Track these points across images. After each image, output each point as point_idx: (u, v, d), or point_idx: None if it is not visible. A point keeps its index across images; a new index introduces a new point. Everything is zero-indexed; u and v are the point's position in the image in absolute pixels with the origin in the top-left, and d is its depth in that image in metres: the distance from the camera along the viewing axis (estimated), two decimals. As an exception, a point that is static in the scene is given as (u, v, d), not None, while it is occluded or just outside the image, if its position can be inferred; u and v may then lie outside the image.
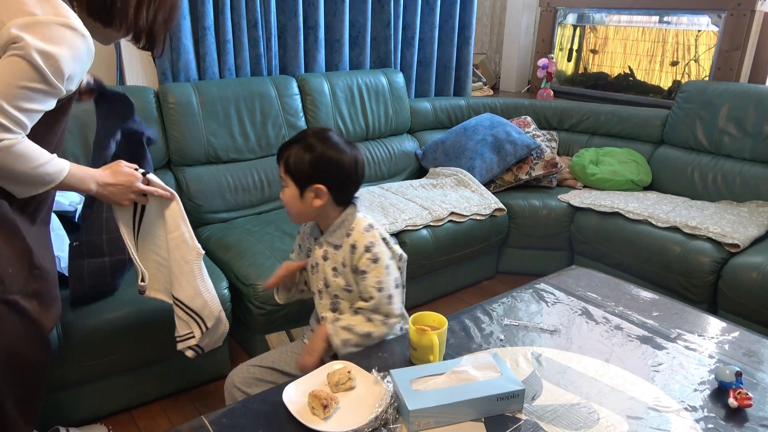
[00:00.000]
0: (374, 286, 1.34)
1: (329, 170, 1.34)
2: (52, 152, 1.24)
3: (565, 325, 1.44)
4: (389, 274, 1.36)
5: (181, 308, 1.57)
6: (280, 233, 2.30)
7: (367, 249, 1.34)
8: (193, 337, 1.60)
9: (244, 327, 2.13)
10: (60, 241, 1.76)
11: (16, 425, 1.34)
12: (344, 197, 1.39)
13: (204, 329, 1.59)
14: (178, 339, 1.62)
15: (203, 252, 1.55)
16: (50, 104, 1.19)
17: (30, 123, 1.16)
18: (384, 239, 1.38)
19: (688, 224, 2.38)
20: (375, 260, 1.34)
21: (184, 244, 1.51)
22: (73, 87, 1.24)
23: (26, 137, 1.17)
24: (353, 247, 1.36)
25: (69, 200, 1.95)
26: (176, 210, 1.49)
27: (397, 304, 1.37)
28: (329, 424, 1.07)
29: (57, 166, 1.24)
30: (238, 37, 2.61)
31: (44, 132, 1.24)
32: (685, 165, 2.86)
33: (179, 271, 1.52)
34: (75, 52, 1.17)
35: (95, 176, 1.34)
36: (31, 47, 1.10)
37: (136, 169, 1.43)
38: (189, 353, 1.63)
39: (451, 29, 3.42)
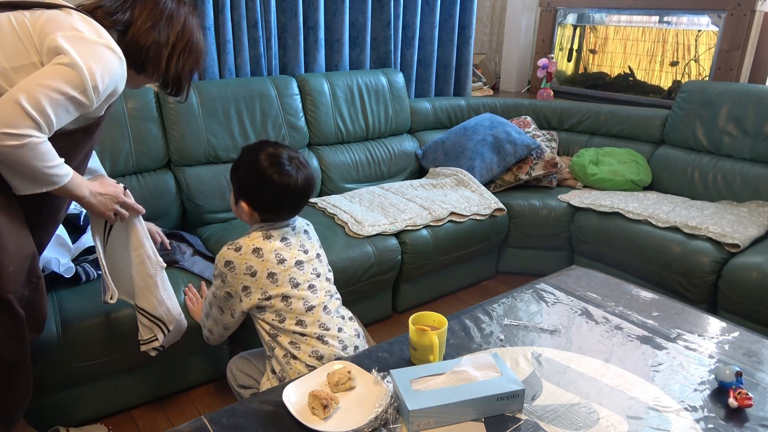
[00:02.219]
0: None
1: (255, 190, 1.41)
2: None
3: (565, 325, 1.44)
4: (213, 295, 1.48)
5: (144, 316, 1.66)
6: (280, 233, 2.30)
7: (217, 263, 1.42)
8: (157, 339, 1.68)
9: (244, 327, 2.13)
10: (63, 245, 1.76)
11: None
12: (270, 218, 1.44)
13: (166, 332, 1.68)
14: (141, 342, 1.70)
15: (165, 264, 1.63)
16: (76, 115, 1.27)
17: (57, 127, 1.23)
18: (227, 262, 1.38)
19: (688, 224, 2.38)
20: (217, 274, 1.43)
21: (147, 260, 1.59)
22: (102, 111, 1.34)
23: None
24: None
25: (73, 203, 1.95)
26: (139, 228, 1.57)
27: (205, 336, 1.59)
28: (329, 424, 1.07)
29: (65, 169, 1.30)
30: (238, 37, 2.61)
31: (69, 148, 1.34)
32: (685, 165, 2.86)
33: (144, 284, 1.61)
34: (112, 73, 1.27)
35: (88, 185, 1.41)
36: (76, 59, 1.19)
37: (117, 183, 1.53)
38: (153, 353, 1.72)
39: (451, 29, 3.42)
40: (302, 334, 1.39)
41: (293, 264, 1.41)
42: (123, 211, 1.50)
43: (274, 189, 1.38)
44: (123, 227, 1.56)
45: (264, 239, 1.40)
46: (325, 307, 1.45)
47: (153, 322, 1.66)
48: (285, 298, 1.39)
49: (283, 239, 1.43)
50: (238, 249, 1.39)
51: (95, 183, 1.45)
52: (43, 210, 1.42)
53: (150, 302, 1.63)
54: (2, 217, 1.25)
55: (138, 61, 1.37)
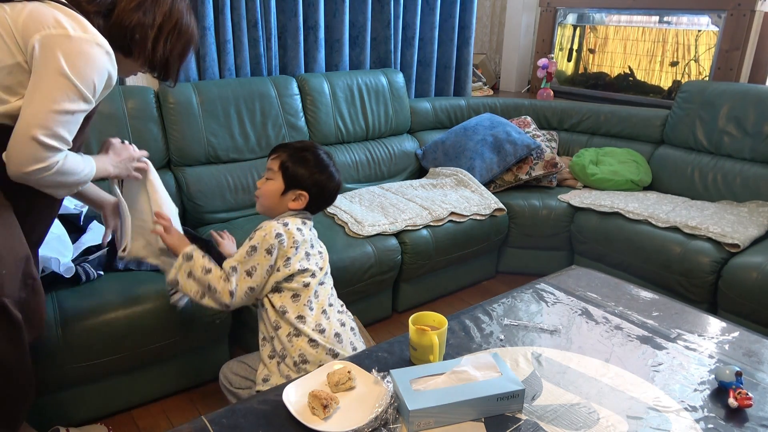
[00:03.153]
0: (230, 258, 1.47)
1: (319, 185, 1.53)
2: (76, 152, 1.33)
3: (565, 325, 1.44)
4: (248, 255, 1.43)
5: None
6: (280, 233, 2.30)
7: (256, 228, 1.47)
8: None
9: (244, 327, 2.13)
10: (62, 245, 1.76)
11: None
12: (314, 209, 1.58)
13: None
14: (170, 291, 1.71)
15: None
16: (83, 116, 1.28)
17: (71, 137, 1.26)
18: (278, 234, 1.44)
19: (688, 224, 2.38)
20: (250, 238, 1.45)
21: (167, 199, 1.65)
22: (96, 101, 1.31)
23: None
24: None
25: (74, 203, 1.95)
26: (154, 175, 1.61)
27: (228, 286, 1.42)
28: (329, 424, 1.07)
29: (90, 165, 1.36)
30: (238, 37, 2.61)
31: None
32: (685, 165, 2.86)
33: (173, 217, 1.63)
34: (102, 69, 1.25)
35: (107, 161, 1.46)
36: (66, 70, 1.19)
37: (122, 142, 1.55)
38: (181, 303, 1.73)
39: (451, 29, 3.42)
40: (311, 306, 1.48)
41: (317, 252, 1.55)
42: (141, 164, 1.56)
43: (334, 187, 1.57)
44: (136, 183, 1.60)
45: (302, 223, 1.53)
46: (332, 288, 1.58)
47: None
48: (312, 272, 1.50)
49: (311, 229, 1.57)
50: (285, 224, 1.47)
51: (111, 154, 1.49)
52: (38, 204, 1.40)
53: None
54: None
55: (124, 44, 1.33)
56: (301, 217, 1.54)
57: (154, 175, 1.61)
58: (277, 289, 1.47)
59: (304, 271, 1.47)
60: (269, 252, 1.43)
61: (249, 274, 1.44)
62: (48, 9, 1.20)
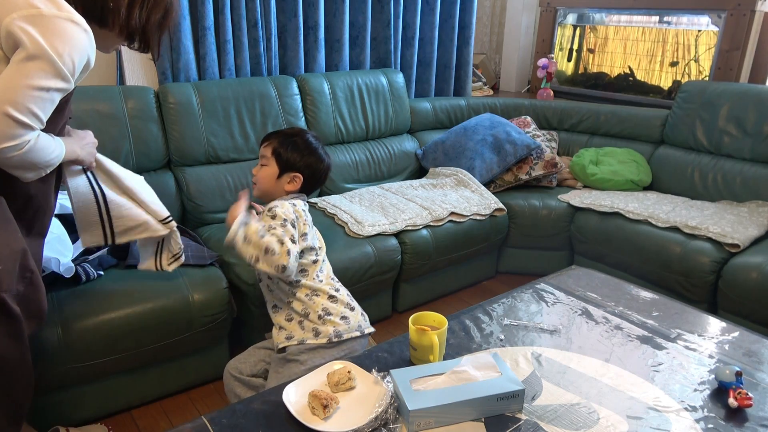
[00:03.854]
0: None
1: (310, 167, 1.61)
2: None
3: (565, 325, 1.45)
4: (282, 227, 1.49)
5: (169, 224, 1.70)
6: (280, 233, 2.30)
7: (270, 209, 1.54)
8: (181, 249, 1.76)
9: (244, 327, 2.14)
10: (62, 245, 1.76)
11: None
12: (308, 191, 1.67)
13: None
14: (175, 258, 1.77)
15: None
16: (58, 101, 1.24)
17: (45, 117, 1.21)
18: (295, 211, 1.53)
19: (688, 224, 2.38)
20: (273, 216, 1.51)
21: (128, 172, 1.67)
22: (75, 82, 1.27)
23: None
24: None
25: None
26: (102, 157, 1.60)
27: (284, 247, 1.46)
28: (329, 424, 1.07)
29: (60, 147, 1.32)
30: (238, 37, 2.61)
31: (46, 129, 1.28)
32: (685, 165, 2.86)
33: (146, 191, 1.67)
34: (80, 47, 1.21)
35: (74, 143, 1.44)
36: (43, 46, 1.14)
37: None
38: (175, 265, 1.78)
39: (451, 29, 3.42)
40: (320, 280, 1.59)
41: (315, 233, 1.64)
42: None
43: (324, 169, 1.66)
44: (103, 165, 1.60)
45: (305, 205, 1.62)
46: (331, 269, 1.68)
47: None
48: (317, 252, 1.60)
49: (304, 210, 1.63)
50: (294, 204, 1.56)
51: (75, 139, 1.47)
52: (35, 197, 1.39)
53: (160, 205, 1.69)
54: None
55: (96, 13, 1.29)
56: (301, 200, 1.63)
57: (102, 157, 1.61)
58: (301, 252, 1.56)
59: (312, 248, 1.58)
60: (293, 225, 1.51)
61: (293, 241, 1.49)
62: None
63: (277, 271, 1.42)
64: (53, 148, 1.28)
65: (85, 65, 1.26)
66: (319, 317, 1.53)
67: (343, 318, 1.56)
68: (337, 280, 1.67)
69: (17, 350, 1.33)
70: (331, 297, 1.57)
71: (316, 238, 1.63)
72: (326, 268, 1.64)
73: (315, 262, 1.58)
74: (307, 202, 1.66)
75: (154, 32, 1.40)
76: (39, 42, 1.14)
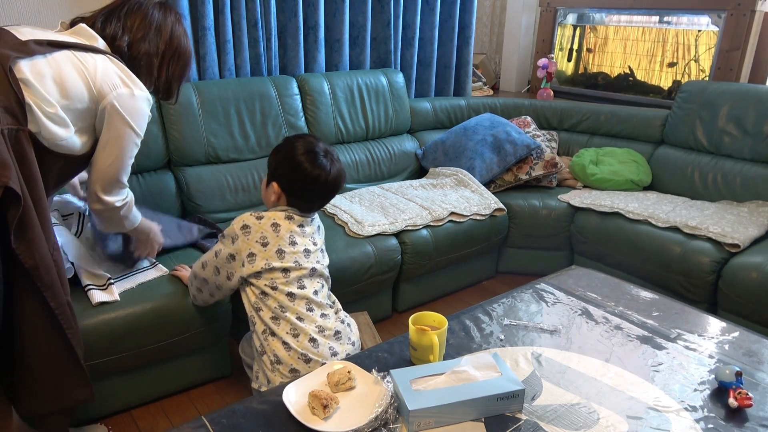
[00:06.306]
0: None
1: (286, 176, 1.50)
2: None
3: (565, 325, 1.45)
4: (202, 257, 1.57)
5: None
6: (280, 233, 2.29)
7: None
8: (110, 280, 1.81)
9: (244, 327, 2.13)
10: (66, 246, 1.76)
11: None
12: (297, 204, 1.52)
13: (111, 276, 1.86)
14: (101, 287, 1.78)
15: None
16: None
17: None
18: (245, 225, 1.46)
19: (688, 224, 2.38)
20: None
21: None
22: None
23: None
24: None
25: (81, 203, 1.97)
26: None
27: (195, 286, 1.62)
28: (329, 424, 1.07)
29: (139, 214, 1.69)
30: (238, 37, 2.61)
31: (68, 172, 1.52)
32: (685, 165, 2.86)
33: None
34: (146, 117, 1.51)
35: (152, 223, 1.81)
36: (134, 127, 1.46)
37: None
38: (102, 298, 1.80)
39: (451, 29, 3.42)
40: (284, 309, 1.44)
41: (302, 250, 1.49)
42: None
43: (304, 177, 1.48)
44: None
45: (285, 219, 1.49)
46: (315, 292, 1.50)
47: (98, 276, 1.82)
48: (285, 271, 1.46)
49: (300, 226, 1.51)
50: (259, 218, 1.47)
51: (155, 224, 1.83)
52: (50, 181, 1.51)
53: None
54: (43, 236, 1.32)
55: (134, 71, 1.47)
56: (286, 212, 1.50)
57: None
58: (248, 283, 1.48)
59: (270, 269, 1.44)
60: (233, 242, 1.46)
61: (217, 271, 1.50)
62: (110, 66, 1.41)
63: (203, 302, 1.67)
64: (135, 211, 1.66)
65: None
66: (271, 362, 1.43)
67: (293, 371, 1.41)
68: (326, 307, 1.51)
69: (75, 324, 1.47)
70: (285, 344, 1.42)
71: (291, 258, 1.45)
72: (301, 296, 1.45)
73: (275, 288, 1.43)
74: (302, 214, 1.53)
75: (176, 84, 1.61)
76: (129, 122, 1.44)
